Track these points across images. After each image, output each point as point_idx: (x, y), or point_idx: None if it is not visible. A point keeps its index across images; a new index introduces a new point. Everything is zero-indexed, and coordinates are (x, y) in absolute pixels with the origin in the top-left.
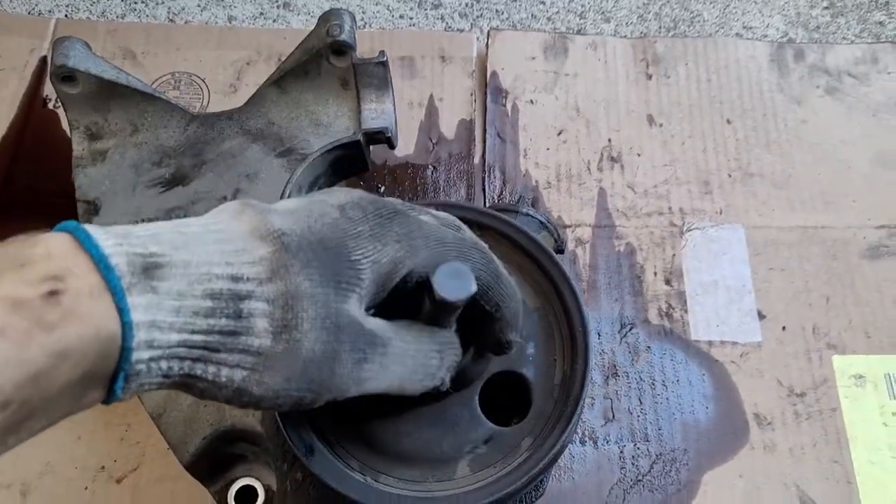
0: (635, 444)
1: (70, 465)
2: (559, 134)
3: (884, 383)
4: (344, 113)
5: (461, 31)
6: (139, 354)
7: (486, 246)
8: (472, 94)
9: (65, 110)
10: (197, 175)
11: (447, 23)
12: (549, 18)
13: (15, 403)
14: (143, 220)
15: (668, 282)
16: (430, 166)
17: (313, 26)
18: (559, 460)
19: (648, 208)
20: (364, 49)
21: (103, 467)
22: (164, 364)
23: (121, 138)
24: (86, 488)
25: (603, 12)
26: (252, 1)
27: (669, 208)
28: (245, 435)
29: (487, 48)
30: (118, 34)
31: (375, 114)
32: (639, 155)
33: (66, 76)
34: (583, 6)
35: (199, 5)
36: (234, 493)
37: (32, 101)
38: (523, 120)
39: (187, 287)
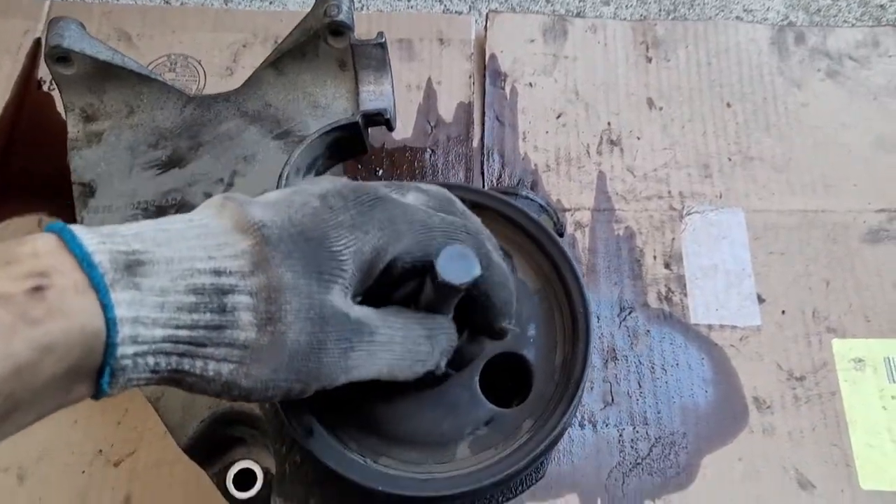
0: (634, 428)
1: (67, 449)
2: (558, 117)
3: (883, 367)
4: (342, 94)
5: (459, 13)
6: (124, 350)
7: (478, 224)
8: (470, 77)
9: (60, 92)
10: (194, 157)
11: (445, 5)
12: (548, 1)
13: (0, 396)
14: (139, 203)
15: (667, 266)
16: (428, 149)
17: (310, 8)
18: (559, 443)
19: (648, 192)
20: (362, 31)
21: (100, 451)
22: (150, 360)
23: (116, 120)
24: (83, 472)
25: None
26: None
27: (669, 192)
28: (243, 418)
29: (486, 31)
30: (113, 15)
31: (374, 95)
32: (638, 138)
33: (61, 57)
34: None
35: None
36: (232, 476)
37: (27, 83)
38: (522, 103)
39: (170, 283)
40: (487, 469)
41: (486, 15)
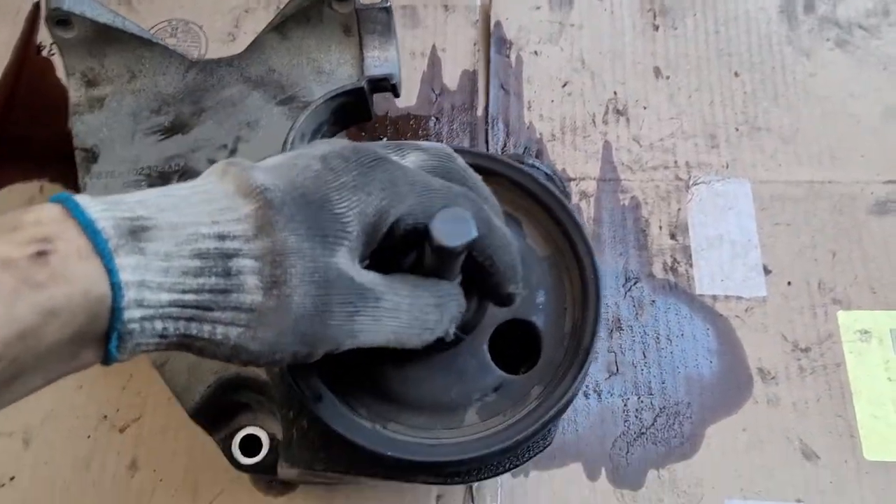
0: (639, 398)
1: (71, 413)
2: (564, 86)
3: (889, 339)
4: (346, 60)
5: None
6: (130, 314)
7: (479, 183)
8: (475, 45)
9: (61, 56)
10: (196, 123)
11: None
12: None
13: (4, 360)
14: (142, 168)
15: (673, 236)
16: (432, 118)
17: None
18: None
19: (654, 162)
20: None
21: (105, 416)
22: (158, 324)
23: (118, 85)
24: (88, 437)
25: None
26: None
27: (675, 162)
28: (249, 383)
29: None
30: None
31: (379, 61)
32: (645, 108)
33: (61, 20)
34: None
35: None
36: (238, 442)
37: (26, 48)
38: (527, 71)
39: (175, 248)
40: (496, 435)
41: None
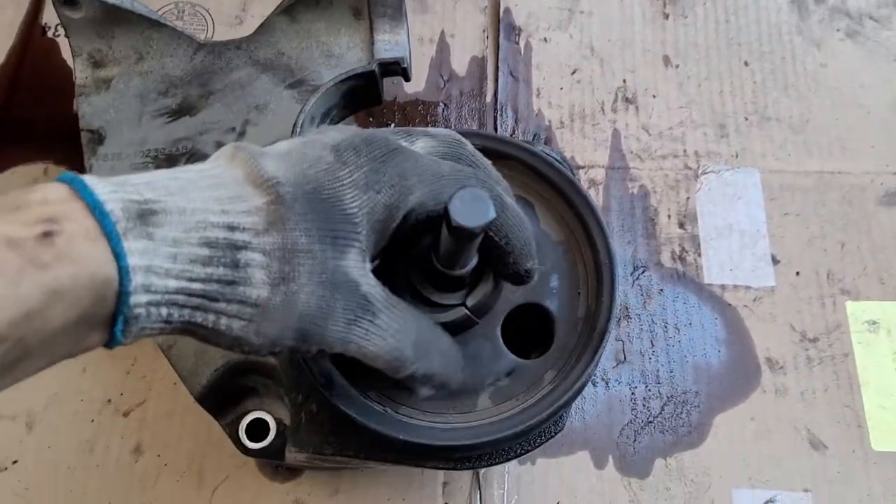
0: (647, 386)
1: (76, 397)
2: (573, 73)
3: None
4: (356, 44)
5: None
6: (137, 298)
7: (489, 167)
8: (484, 31)
9: (67, 36)
10: (204, 105)
11: None
12: None
13: (10, 341)
14: (149, 151)
15: (681, 225)
16: (441, 104)
17: None
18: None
19: (663, 150)
20: None
21: (109, 400)
22: (163, 310)
23: (125, 66)
24: (92, 421)
25: None
26: None
27: (684, 151)
28: (257, 367)
29: None
30: None
31: (389, 45)
32: (654, 96)
33: (69, 0)
34: None
35: None
36: (245, 426)
37: (31, 29)
38: (536, 58)
39: (183, 234)
40: (508, 420)
41: None
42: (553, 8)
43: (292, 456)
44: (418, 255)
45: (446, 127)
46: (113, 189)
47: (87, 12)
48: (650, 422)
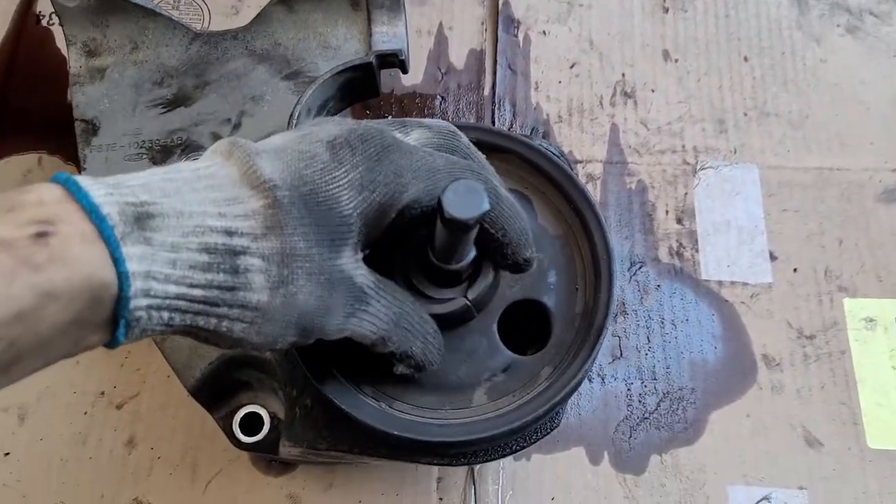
0: (643, 382)
1: (69, 389)
2: (572, 67)
3: (894, 327)
4: (354, 36)
5: None
6: (137, 302)
7: (482, 160)
8: (482, 24)
9: (61, 25)
10: (200, 96)
11: None
12: None
13: (3, 342)
14: (143, 141)
15: (679, 220)
16: (438, 96)
17: None
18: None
19: (661, 145)
20: None
21: (103, 393)
22: (164, 314)
23: (120, 56)
24: (85, 413)
25: None
26: None
27: (683, 146)
28: (252, 361)
29: None
30: None
31: (387, 37)
32: (653, 91)
33: None
34: None
35: None
36: (238, 420)
37: (25, 17)
38: (535, 51)
39: (181, 239)
40: (504, 416)
41: None
42: (552, 1)
43: (286, 450)
44: (415, 249)
45: (444, 120)
46: (108, 192)
47: (81, 1)
48: (646, 418)
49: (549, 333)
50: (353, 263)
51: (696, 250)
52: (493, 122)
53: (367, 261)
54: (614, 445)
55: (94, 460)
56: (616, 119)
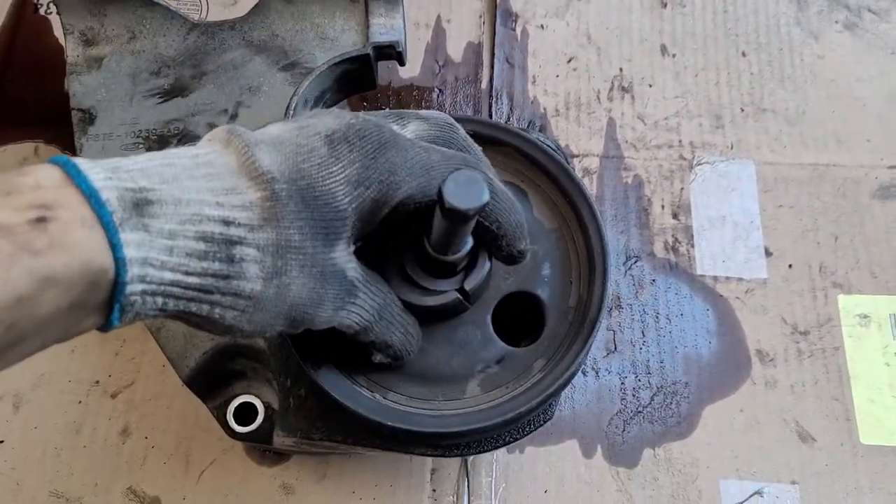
0: (637, 376)
1: (63, 378)
2: (569, 61)
3: (888, 323)
4: (351, 27)
5: None
6: (133, 288)
7: (479, 153)
8: (480, 17)
9: (59, 13)
10: (197, 86)
11: None
12: None
13: (2, 325)
14: (140, 131)
15: (675, 215)
16: (436, 89)
17: None
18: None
19: (658, 140)
20: None
21: (97, 382)
22: (159, 299)
23: (117, 45)
24: (79, 402)
25: None
26: None
27: (679, 141)
28: (246, 351)
29: None
30: None
31: (385, 28)
32: (650, 86)
33: None
34: None
35: None
36: (233, 410)
37: (22, 6)
38: (533, 45)
39: (179, 227)
40: (498, 407)
41: None
42: None
43: (280, 440)
44: (410, 241)
45: None
46: (107, 176)
47: None
48: (639, 412)
49: (543, 326)
50: (345, 257)
51: (692, 245)
52: (491, 116)
53: (361, 251)
54: (608, 439)
55: (88, 449)
56: (613, 113)
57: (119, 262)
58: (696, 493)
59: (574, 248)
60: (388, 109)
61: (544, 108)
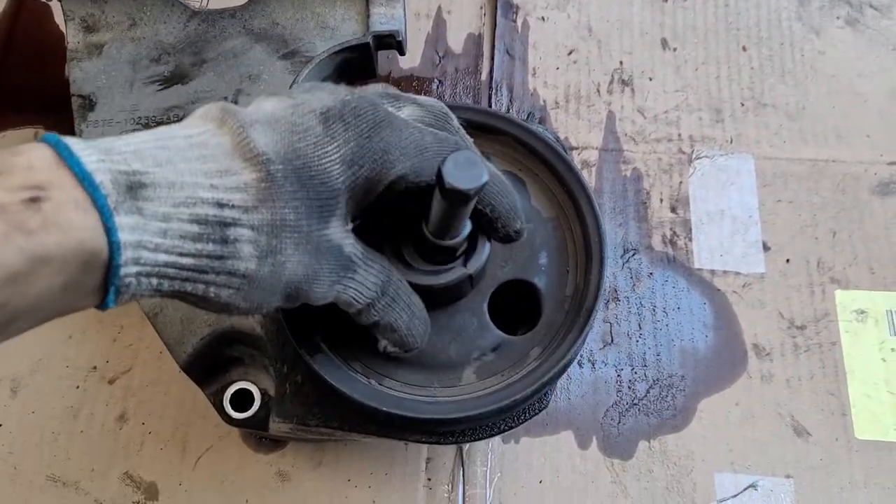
0: (633, 369)
1: (61, 363)
2: (570, 53)
3: (885, 319)
4: (352, 16)
5: None
6: (127, 270)
7: (470, 143)
8: (481, 8)
9: (60, 0)
10: (197, 74)
11: None
12: None
13: None
14: (140, 118)
15: (673, 209)
16: (435, 80)
17: None
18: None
19: (657, 134)
20: None
21: (95, 367)
22: (153, 280)
23: (118, 32)
24: (77, 387)
25: None
26: None
27: (679, 135)
28: (243, 337)
29: None
30: None
31: (385, 18)
32: (650, 79)
33: None
34: None
35: None
36: (229, 396)
37: None
38: (533, 37)
39: (173, 209)
40: (493, 395)
41: None
42: None
43: (276, 426)
44: (408, 227)
45: None
46: (100, 158)
47: None
48: (635, 404)
49: (540, 314)
50: (341, 233)
51: (690, 239)
52: (490, 107)
53: (358, 232)
54: (603, 430)
55: (86, 434)
56: (613, 106)
57: (113, 245)
58: (691, 486)
59: (571, 237)
60: (384, 87)
61: (544, 101)
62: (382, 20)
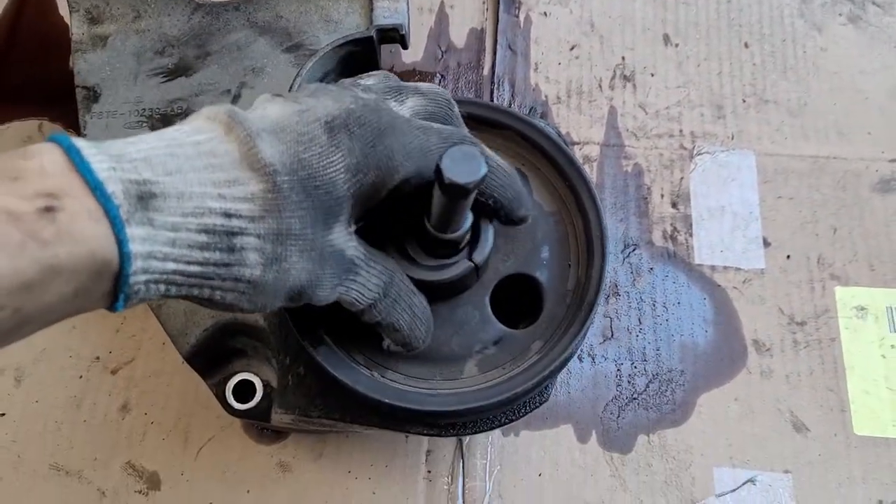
0: (633, 363)
1: (64, 353)
2: (572, 49)
3: (885, 316)
4: (355, 10)
5: None
6: (136, 278)
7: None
8: (483, 3)
9: None
10: (201, 66)
11: None
12: None
13: (8, 309)
14: (144, 110)
15: (674, 205)
16: (438, 74)
17: None
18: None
19: (659, 129)
20: None
21: (98, 358)
22: (161, 287)
23: (122, 24)
24: (80, 377)
25: None
26: None
27: (680, 131)
28: (246, 329)
29: None
30: None
31: (389, 11)
32: (652, 75)
33: None
34: None
35: None
36: (232, 387)
37: None
38: (536, 32)
39: (182, 220)
40: (494, 388)
41: None
42: None
43: (278, 417)
44: (411, 223)
45: None
46: (111, 165)
47: None
48: (635, 398)
49: (541, 308)
50: (344, 237)
51: (690, 234)
52: (492, 102)
53: (363, 231)
54: (602, 424)
55: (88, 424)
56: (615, 102)
57: (124, 256)
58: (690, 480)
59: (573, 231)
60: (385, 74)
61: (546, 96)
62: (386, 14)
